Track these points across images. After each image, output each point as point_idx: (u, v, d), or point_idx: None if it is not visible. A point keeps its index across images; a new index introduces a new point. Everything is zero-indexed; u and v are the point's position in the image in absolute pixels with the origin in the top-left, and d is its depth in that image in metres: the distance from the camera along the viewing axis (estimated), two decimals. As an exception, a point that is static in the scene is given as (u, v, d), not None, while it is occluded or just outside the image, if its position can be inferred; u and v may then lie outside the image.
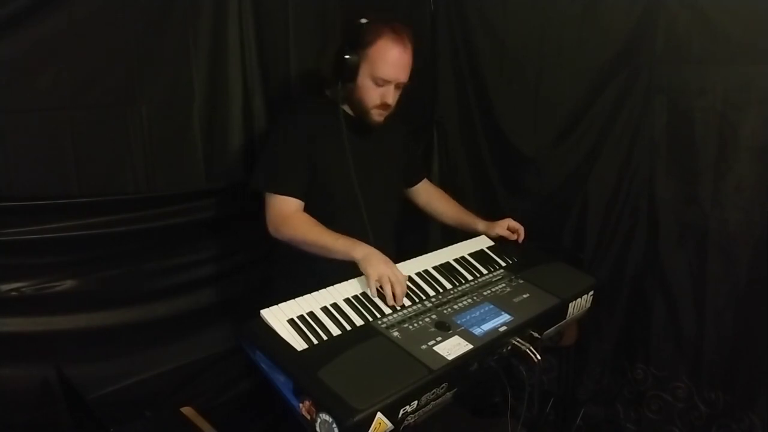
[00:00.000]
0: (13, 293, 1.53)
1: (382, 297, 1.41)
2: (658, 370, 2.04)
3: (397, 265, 1.55)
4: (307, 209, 1.60)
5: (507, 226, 1.81)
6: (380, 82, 1.57)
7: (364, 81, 1.57)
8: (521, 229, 1.81)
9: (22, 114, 1.47)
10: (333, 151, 1.61)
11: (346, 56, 1.54)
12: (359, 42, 1.55)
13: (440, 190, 2.03)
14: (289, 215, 1.55)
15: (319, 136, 1.62)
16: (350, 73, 1.56)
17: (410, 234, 2.23)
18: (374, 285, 1.40)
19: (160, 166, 1.69)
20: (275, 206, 1.57)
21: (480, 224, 1.85)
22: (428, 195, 1.98)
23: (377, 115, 1.62)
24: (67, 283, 1.61)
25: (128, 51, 1.59)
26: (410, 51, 1.58)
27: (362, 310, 1.37)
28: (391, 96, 1.59)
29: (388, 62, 1.55)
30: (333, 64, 1.57)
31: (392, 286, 1.39)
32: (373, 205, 1.64)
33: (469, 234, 1.84)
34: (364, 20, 1.58)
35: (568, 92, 2.10)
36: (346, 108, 1.65)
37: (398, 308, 1.40)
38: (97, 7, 1.51)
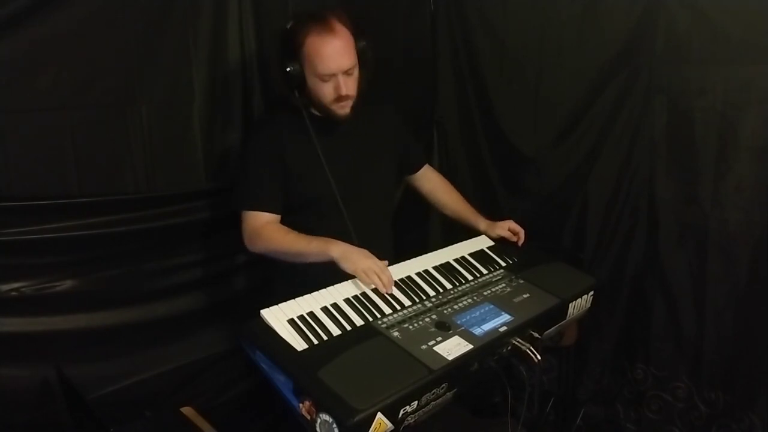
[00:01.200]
0: (13, 293, 1.53)
1: (383, 296, 1.41)
2: (658, 370, 2.04)
3: (397, 265, 1.56)
4: (293, 219, 1.60)
5: (508, 228, 1.81)
6: (326, 78, 1.53)
7: (312, 81, 1.55)
8: (521, 232, 1.81)
9: (22, 114, 1.47)
10: (306, 158, 1.60)
11: (287, 67, 1.52)
12: (292, 47, 1.52)
13: (446, 181, 2.01)
14: (260, 227, 1.56)
15: (289, 145, 1.61)
16: (298, 81, 1.54)
17: (410, 234, 2.23)
18: (364, 279, 1.41)
19: (160, 166, 1.69)
20: (248, 222, 1.58)
21: (482, 223, 1.85)
22: (432, 184, 1.97)
23: (340, 109, 1.58)
24: (67, 283, 1.61)
25: (128, 51, 1.59)
26: (344, 34, 1.52)
27: (362, 310, 1.37)
28: (344, 86, 1.53)
29: (324, 56, 1.50)
30: (280, 79, 1.56)
31: (378, 276, 1.41)
32: (360, 204, 1.63)
33: (470, 232, 1.84)
34: (289, 24, 1.55)
35: (568, 92, 2.09)
36: (315, 111, 1.64)
37: (399, 307, 1.40)
38: (97, 7, 1.51)
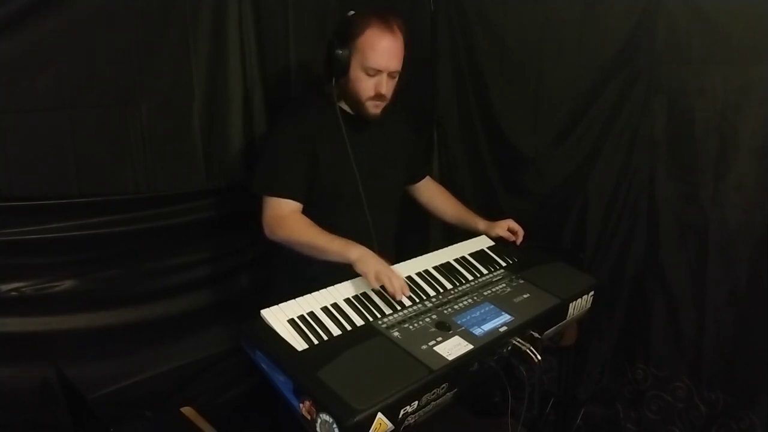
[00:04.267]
0: (13, 293, 1.53)
1: (383, 296, 1.41)
2: (658, 370, 2.04)
3: (398, 264, 1.56)
4: (311, 209, 1.59)
5: (507, 227, 1.81)
6: (372, 72, 1.55)
7: (356, 73, 1.56)
8: (520, 231, 1.81)
9: (22, 114, 1.47)
10: (334, 150, 1.61)
11: (336, 50, 1.53)
12: (348, 34, 1.54)
13: (442, 187, 2.03)
14: (284, 217, 1.54)
15: (319, 135, 1.61)
16: (342, 67, 1.55)
17: (410, 234, 2.23)
18: (375, 282, 1.40)
19: (160, 166, 1.69)
20: (271, 208, 1.56)
21: (481, 223, 1.85)
22: (430, 192, 1.98)
23: (373, 107, 1.61)
24: (67, 283, 1.61)
25: (128, 51, 1.59)
26: (401, 39, 1.56)
27: (362, 310, 1.37)
28: (385, 86, 1.57)
29: (378, 51, 1.53)
30: (325, 61, 1.56)
31: (391, 281, 1.40)
32: (376, 202, 1.64)
33: (470, 234, 1.84)
34: (351, 12, 1.57)
35: (568, 92, 2.09)
36: (344, 105, 1.65)
37: (399, 307, 1.40)
38: (97, 7, 1.52)
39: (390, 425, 1.11)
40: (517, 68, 2.21)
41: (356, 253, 1.43)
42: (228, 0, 1.74)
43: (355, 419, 1.04)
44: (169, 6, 1.64)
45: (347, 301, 1.39)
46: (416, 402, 1.15)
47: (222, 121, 1.81)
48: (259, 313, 1.29)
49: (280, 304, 1.32)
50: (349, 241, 1.47)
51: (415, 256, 1.62)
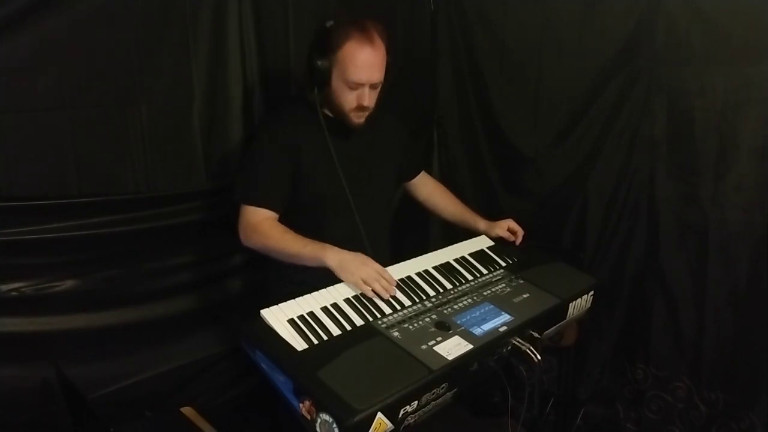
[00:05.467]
0: (13, 293, 1.53)
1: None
2: (658, 370, 2.04)
3: (398, 265, 1.56)
4: (300, 216, 1.60)
5: (507, 227, 1.81)
6: (353, 86, 1.53)
7: (338, 85, 1.55)
8: (520, 232, 1.81)
9: (22, 114, 1.47)
10: (319, 157, 1.60)
11: (317, 62, 1.52)
12: (327, 46, 1.52)
13: (441, 185, 2.02)
14: (258, 223, 1.54)
15: (303, 143, 1.60)
16: (323, 79, 1.54)
17: (410, 234, 2.23)
18: (365, 288, 1.40)
19: (160, 166, 1.69)
20: (246, 215, 1.56)
21: (481, 223, 1.85)
22: (429, 190, 1.98)
23: (356, 118, 1.60)
24: (67, 283, 1.61)
25: (128, 51, 1.59)
26: (382, 48, 1.54)
27: (362, 310, 1.37)
28: (367, 97, 1.55)
29: (358, 65, 1.51)
30: (305, 70, 1.56)
31: (378, 282, 1.40)
32: (365, 207, 1.63)
33: (470, 233, 1.84)
34: (330, 23, 1.54)
35: (568, 92, 2.10)
36: (327, 111, 1.64)
37: (399, 307, 1.40)
38: (97, 7, 1.51)
39: (390, 425, 1.11)
40: (517, 68, 2.21)
41: (334, 258, 1.43)
42: (228, 0, 1.74)
43: (355, 419, 1.04)
44: (169, 6, 1.64)
45: (347, 301, 1.39)
46: (416, 402, 1.15)
47: (222, 121, 1.81)
48: (259, 313, 1.29)
49: (279, 304, 1.32)
50: (325, 245, 1.46)
51: (415, 256, 1.62)
